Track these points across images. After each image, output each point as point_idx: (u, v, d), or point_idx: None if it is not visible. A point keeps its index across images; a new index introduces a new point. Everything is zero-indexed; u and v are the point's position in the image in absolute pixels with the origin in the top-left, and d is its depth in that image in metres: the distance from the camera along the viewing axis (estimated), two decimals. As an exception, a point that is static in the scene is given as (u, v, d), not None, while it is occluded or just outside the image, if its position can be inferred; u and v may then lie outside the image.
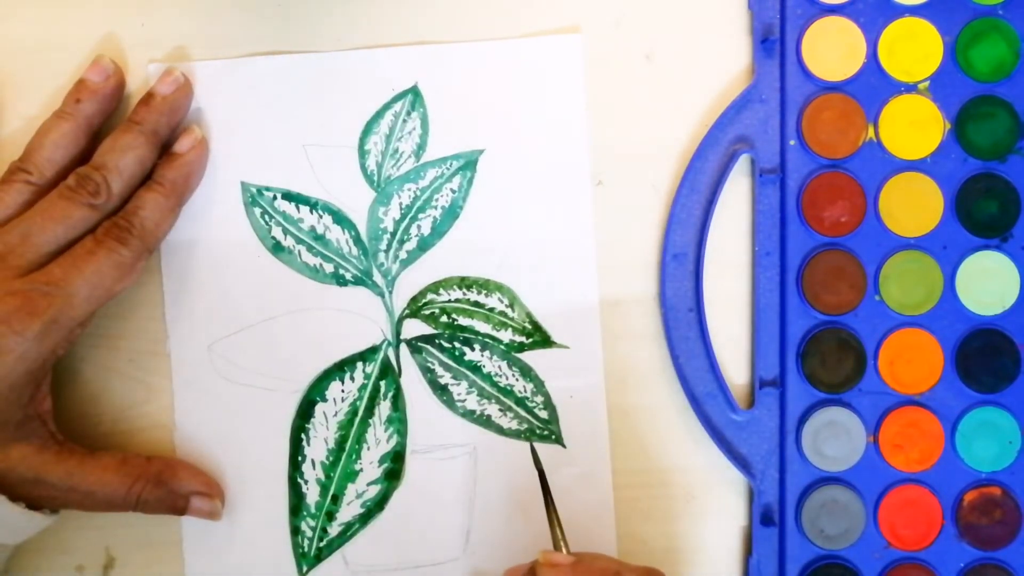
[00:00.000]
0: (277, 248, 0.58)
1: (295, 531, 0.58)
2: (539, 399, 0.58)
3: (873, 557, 0.57)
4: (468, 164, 0.58)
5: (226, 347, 0.58)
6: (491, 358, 0.58)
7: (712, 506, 0.59)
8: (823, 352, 0.57)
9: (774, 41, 0.58)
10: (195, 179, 0.57)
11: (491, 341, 0.58)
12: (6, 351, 0.50)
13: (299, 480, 0.58)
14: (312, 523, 0.58)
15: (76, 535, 0.58)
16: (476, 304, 0.58)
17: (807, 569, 0.57)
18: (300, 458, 0.58)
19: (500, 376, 0.58)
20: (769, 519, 0.57)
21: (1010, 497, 0.57)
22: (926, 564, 0.57)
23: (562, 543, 0.52)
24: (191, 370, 0.58)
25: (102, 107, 0.56)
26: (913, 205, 0.57)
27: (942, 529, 0.57)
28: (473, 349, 0.58)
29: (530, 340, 0.58)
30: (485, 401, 0.58)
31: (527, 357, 0.58)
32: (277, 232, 0.58)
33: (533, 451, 0.54)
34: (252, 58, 0.58)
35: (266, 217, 0.58)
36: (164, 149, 0.56)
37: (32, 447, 0.52)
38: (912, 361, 0.57)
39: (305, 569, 0.58)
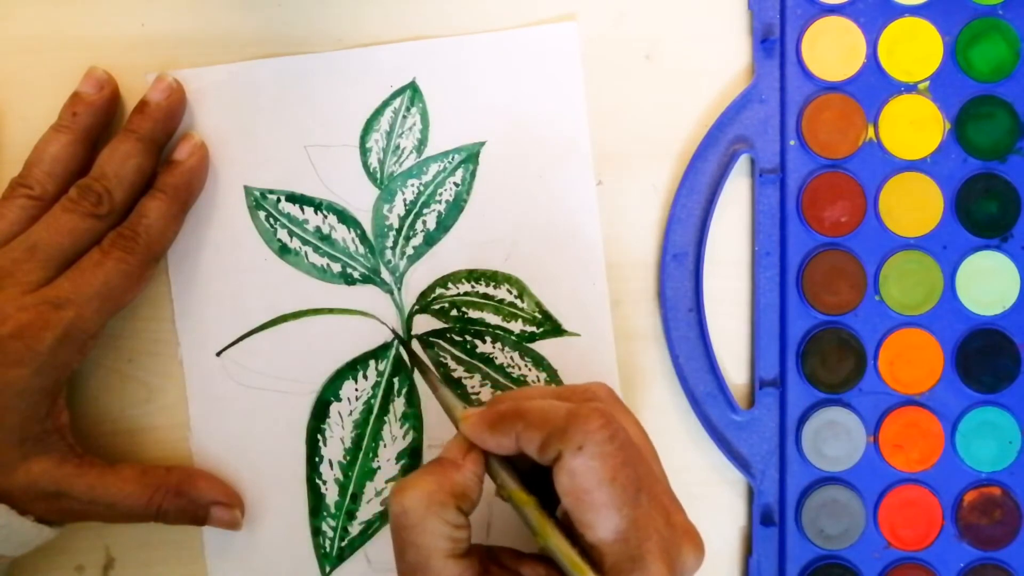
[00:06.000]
0: (284, 250, 0.58)
1: (316, 532, 0.58)
2: (553, 389, 0.58)
3: (873, 557, 0.57)
4: (470, 157, 0.58)
5: (237, 352, 0.58)
6: (503, 349, 0.58)
7: (712, 506, 0.59)
8: (823, 352, 0.57)
9: (774, 41, 0.57)
10: (197, 185, 0.57)
11: (502, 333, 0.58)
12: (21, 366, 0.50)
13: (317, 481, 0.58)
14: (333, 523, 0.58)
15: (76, 535, 0.57)
16: (485, 296, 0.58)
17: (807, 569, 0.57)
18: (317, 459, 0.58)
19: (513, 367, 0.58)
20: (769, 519, 0.58)
21: (1010, 497, 0.57)
22: (926, 564, 0.57)
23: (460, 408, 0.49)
24: (203, 376, 0.58)
25: (98, 118, 0.56)
26: (913, 205, 0.57)
27: (942, 529, 0.57)
28: (484, 341, 0.58)
29: (541, 330, 0.58)
30: (499, 393, 0.58)
31: (539, 347, 0.58)
32: (283, 234, 0.58)
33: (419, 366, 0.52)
34: (249, 62, 0.58)
35: (271, 220, 0.58)
36: (163, 157, 0.57)
37: (52, 461, 0.52)
38: (912, 361, 0.57)
39: (328, 569, 0.58)
